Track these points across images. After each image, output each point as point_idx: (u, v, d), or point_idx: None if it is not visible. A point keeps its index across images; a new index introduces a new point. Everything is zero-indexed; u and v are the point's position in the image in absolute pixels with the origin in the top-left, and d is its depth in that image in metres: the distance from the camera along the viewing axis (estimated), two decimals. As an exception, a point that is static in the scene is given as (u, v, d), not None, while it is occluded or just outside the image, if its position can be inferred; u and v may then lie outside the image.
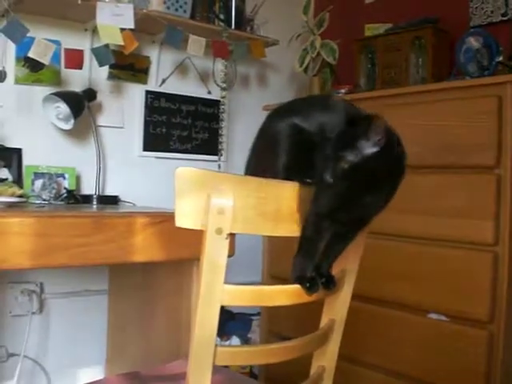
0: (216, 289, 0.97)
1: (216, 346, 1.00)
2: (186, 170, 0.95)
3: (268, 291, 1.06)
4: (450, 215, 2.20)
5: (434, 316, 2.25)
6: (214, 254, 0.96)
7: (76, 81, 2.72)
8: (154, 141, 3.02)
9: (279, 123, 1.22)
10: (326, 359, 1.30)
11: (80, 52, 2.53)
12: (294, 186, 1.05)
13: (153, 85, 3.02)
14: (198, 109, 3.16)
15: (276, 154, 1.18)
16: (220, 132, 3.19)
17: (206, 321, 0.97)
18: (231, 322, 3.08)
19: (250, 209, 0.99)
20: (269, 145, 1.23)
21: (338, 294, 1.26)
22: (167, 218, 1.70)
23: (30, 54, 2.39)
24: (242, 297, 1.02)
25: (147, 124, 2.99)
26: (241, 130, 3.32)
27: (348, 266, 1.27)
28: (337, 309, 1.28)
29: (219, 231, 0.95)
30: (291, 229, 1.07)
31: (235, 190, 0.97)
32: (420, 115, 2.33)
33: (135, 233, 1.65)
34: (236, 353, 1.06)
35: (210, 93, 3.21)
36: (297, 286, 1.09)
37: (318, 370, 1.30)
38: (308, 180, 1.08)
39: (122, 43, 2.55)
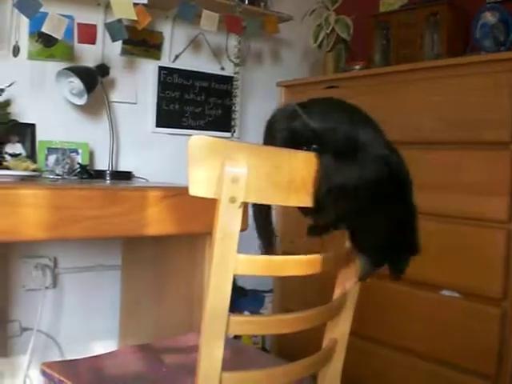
0: (229, 258, 0.96)
1: (229, 315, 1.00)
2: (199, 138, 0.94)
3: (280, 261, 1.06)
4: (464, 192, 2.18)
5: (447, 293, 2.25)
6: (227, 222, 0.95)
7: (89, 56, 2.71)
8: (167, 117, 3.01)
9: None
10: (339, 331, 1.30)
11: (93, 26, 2.52)
12: (308, 156, 1.04)
13: (166, 61, 3.01)
14: (211, 85, 3.15)
15: (275, 130, 1.16)
16: (233, 108, 3.18)
17: (218, 290, 0.97)
18: (244, 299, 3.09)
19: (263, 178, 0.99)
20: (269, 126, 1.20)
21: (351, 268, 1.26)
22: (181, 191, 1.70)
23: (43, 29, 2.38)
24: (255, 266, 1.02)
25: (160, 100, 2.98)
26: (254, 107, 3.31)
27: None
28: (350, 282, 1.28)
29: (233, 200, 0.95)
30: (303, 199, 1.06)
31: (249, 159, 0.96)
32: (435, 91, 2.31)
33: (148, 206, 1.66)
34: (248, 322, 1.06)
35: (223, 69, 3.20)
36: (309, 256, 1.08)
37: (331, 342, 1.30)
38: (314, 146, 1.07)
39: (135, 18, 2.53)
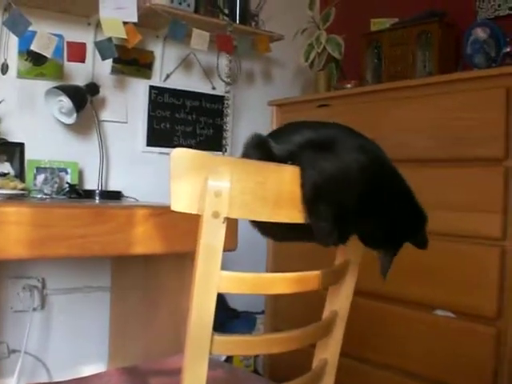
0: (212, 275, 0.93)
1: (213, 334, 0.97)
2: (182, 151, 0.92)
3: (267, 278, 1.03)
4: (458, 209, 2.16)
5: (440, 313, 2.21)
6: (211, 238, 0.92)
7: (79, 75, 2.70)
8: (158, 136, 2.99)
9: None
10: (329, 352, 1.27)
11: (83, 45, 2.50)
12: (295, 170, 1.02)
13: (157, 80, 3.00)
14: (202, 104, 3.14)
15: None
16: (224, 128, 3.17)
17: (202, 308, 0.94)
18: (235, 321, 3.06)
19: (248, 193, 0.96)
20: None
21: (341, 286, 1.23)
22: (168, 210, 1.66)
23: (33, 47, 2.37)
24: (240, 284, 0.98)
25: (151, 119, 2.96)
26: (245, 126, 3.30)
27: (351, 256, 1.23)
28: (339, 301, 1.25)
29: (216, 215, 0.92)
30: (292, 215, 1.03)
31: (233, 173, 0.93)
32: (427, 108, 2.29)
33: (136, 224, 1.63)
34: (234, 342, 1.03)
35: (214, 88, 3.19)
36: (297, 274, 1.05)
37: (321, 362, 1.26)
38: (289, 162, 1.04)
39: (125, 36, 2.52)
